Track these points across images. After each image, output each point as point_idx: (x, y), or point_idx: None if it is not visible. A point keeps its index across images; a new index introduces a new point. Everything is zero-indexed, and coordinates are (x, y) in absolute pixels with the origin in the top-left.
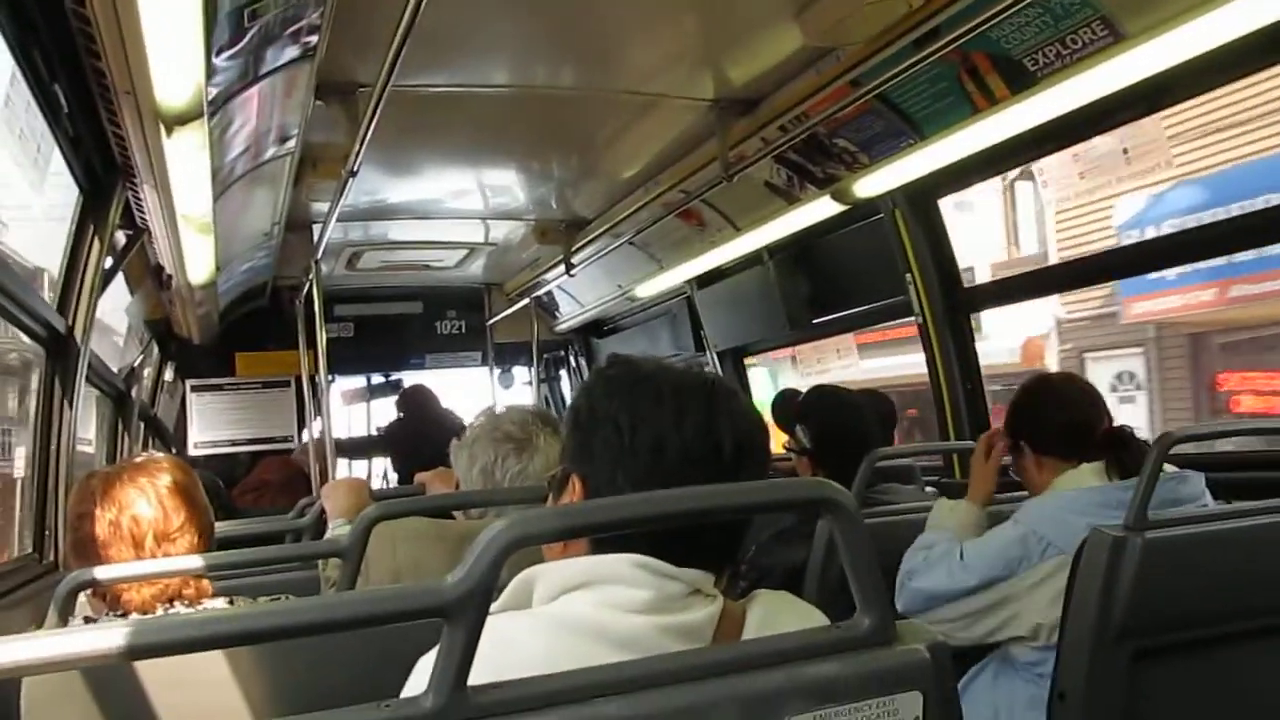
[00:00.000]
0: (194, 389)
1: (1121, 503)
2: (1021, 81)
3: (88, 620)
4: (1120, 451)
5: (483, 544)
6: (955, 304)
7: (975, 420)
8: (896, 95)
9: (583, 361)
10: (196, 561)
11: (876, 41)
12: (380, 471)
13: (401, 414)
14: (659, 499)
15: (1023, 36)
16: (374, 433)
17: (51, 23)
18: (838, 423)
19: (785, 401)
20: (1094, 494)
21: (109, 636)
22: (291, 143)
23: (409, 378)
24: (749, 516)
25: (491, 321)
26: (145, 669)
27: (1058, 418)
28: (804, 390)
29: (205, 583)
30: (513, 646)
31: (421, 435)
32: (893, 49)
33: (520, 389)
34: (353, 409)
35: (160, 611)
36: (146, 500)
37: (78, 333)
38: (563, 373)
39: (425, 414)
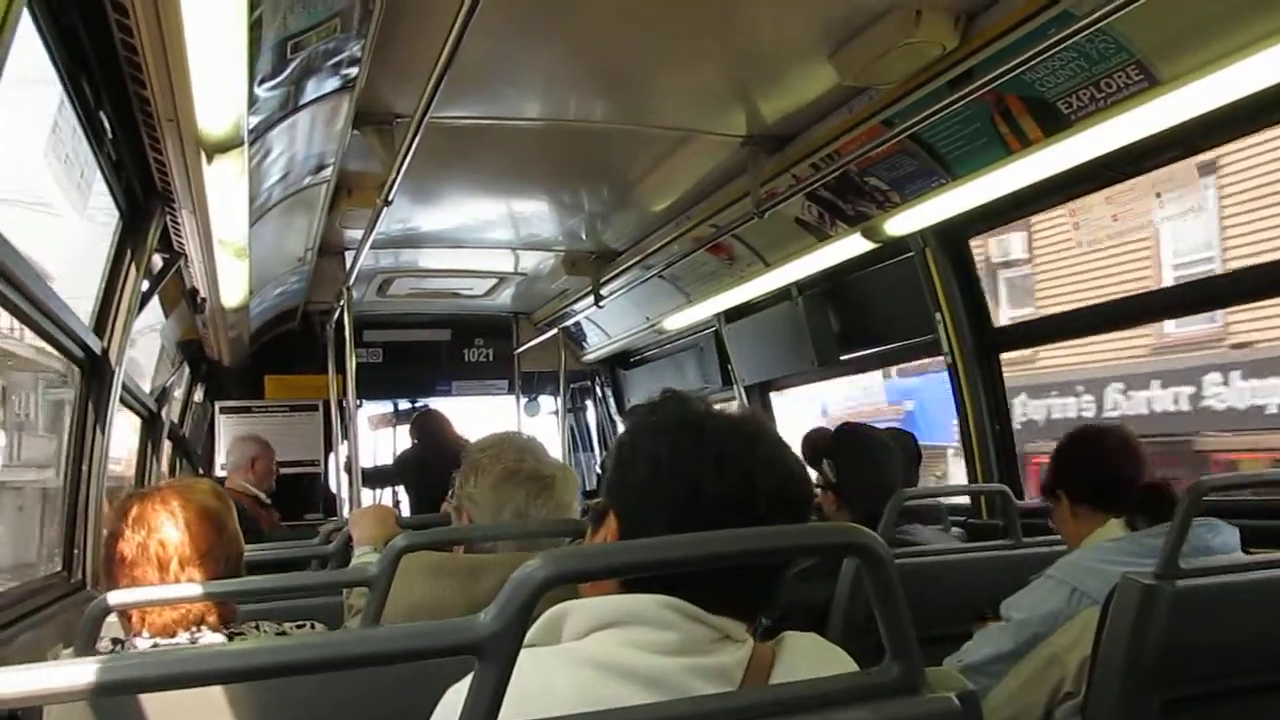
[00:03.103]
0: (223, 410)
1: (1154, 551)
2: (1055, 124)
3: (115, 641)
4: (1158, 505)
5: (516, 582)
6: (985, 344)
7: (1004, 461)
8: (929, 135)
9: (609, 392)
10: (221, 587)
11: (910, 82)
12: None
13: (415, 440)
14: (687, 542)
15: (1057, 80)
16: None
17: (99, 51)
18: (863, 460)
19: (814, 438)
20: (1127, 543)
21: (143, 667)
22: (328, 170)
23: (436, 405)
24: (784, 563)
25: (519, 350)
26: (167, 695)
27: (1095, 468)
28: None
29: (231, 607)
30: (541, 683)
31: (436, 462)
32: (926, 90)
33: (546, 418)
34: (378, 435)
35: (184, 635)
36: (175, 525)
37: (113, 354)
38: (588, 403)
39: (439, 441)
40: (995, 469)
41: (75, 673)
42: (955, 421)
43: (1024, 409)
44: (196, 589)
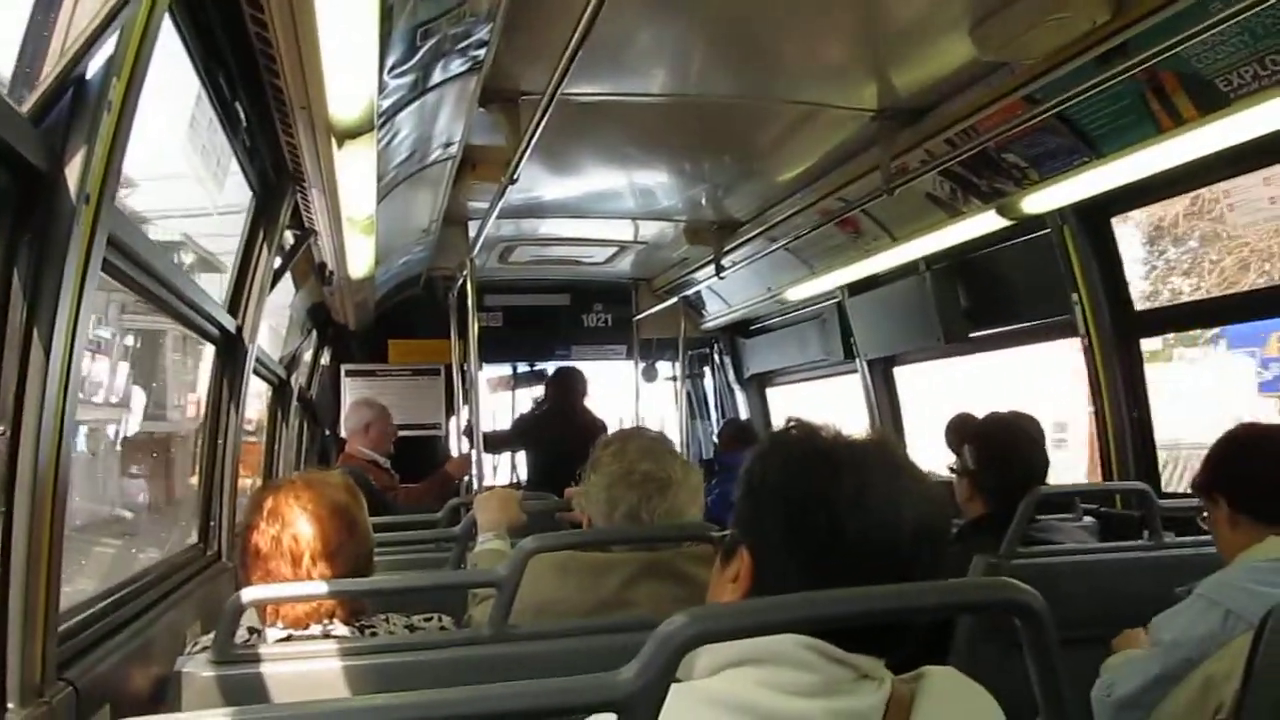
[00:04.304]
0: (348, 374)
1: None
2: (1212, 102)
3: (251, 630)
4: None
5: (660, 640)
6: (1125, 327)
7: (1142, 454)
8: (1073, 111)
9: (727, 360)
10: (351, 586)
11: (1054, 57)
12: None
13: (547, 398)
14: (835, 599)
15: (1216, 56)
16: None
17: (235, 45)
18: (1004, 452)
19: (960, 423)
20: None
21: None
22: (454, 147)
23: (554, 369)
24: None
25: (638, 317)
26: None
27: (1263, 476)
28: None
29: (362, 601)
30: None
31: (557, 429)
32: (1071, 65)
33: (663, 384)
34: (497, 397)
35: (316, 627)
36: (307, 520)
37: (246, 332)
38: (706, 370)
39: (564, 407)
40: (1132, 462)
41: None
42: None
43: None
44: (327, 587)
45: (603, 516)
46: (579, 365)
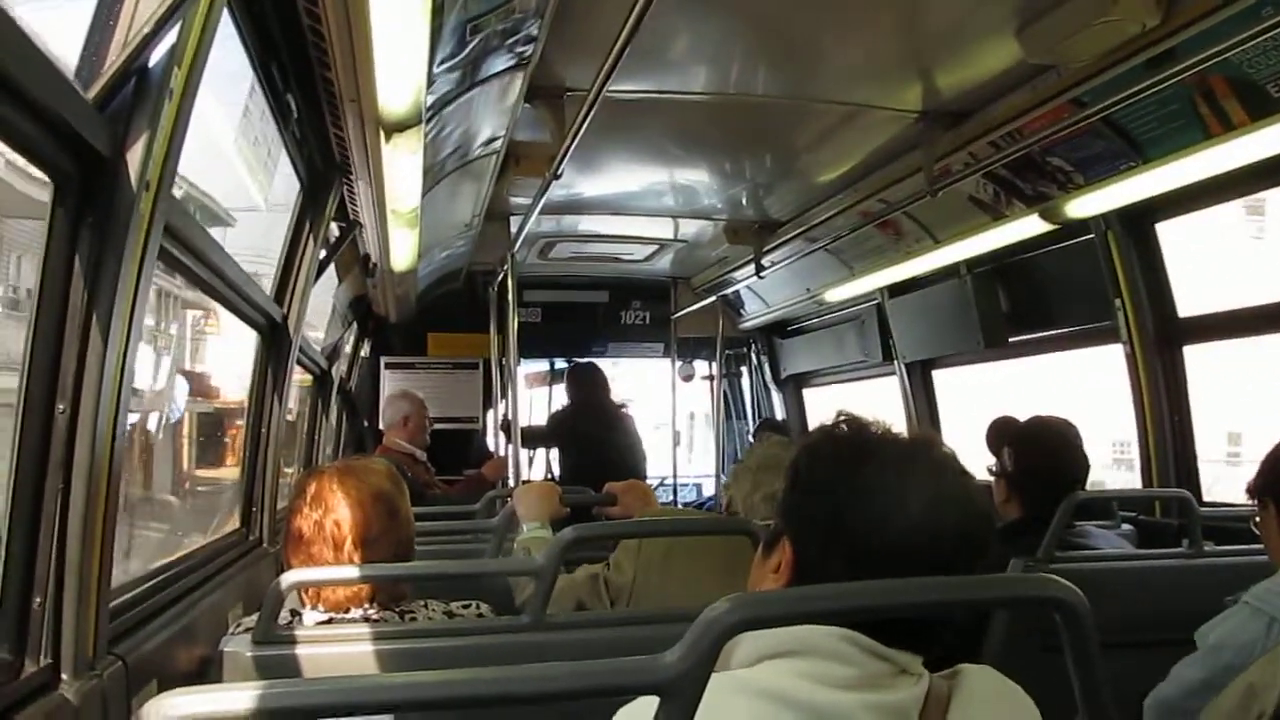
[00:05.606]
0: (388, 366)
1: None
2: (1263, 107)
3: (293, 613)
4: None
5: (704, 624)
6: (1168, 334)
7: (1183, 462)
8: (1119, 116)
9: (764, 360)
10: (392, 571)
11: (1102, 60)
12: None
13: (570, 396)
14: (879, 590)
15: (1268, 61)
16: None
17: (288, 37)
18: (1042, 456)
19: (1001, 425)
20: None
21: (312, 695)
22: (498, 142)
23: (570, 366)
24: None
25: (676, 315)
26: None
27: None
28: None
29: (402, 587)
30: (714, 712)
31: (588, 424)
32: (1119, 69)
33: (700, 383)
34: (534, 392)
35: (356, 611)
36: (349, 506)
37: (291, 322)
38: (743, 370)
39: (590, 399)
40: (1173, 470)
41: (244, 697)
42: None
43: None
44: (367, 571)
45: (743, 495)
46: (616, 362)
